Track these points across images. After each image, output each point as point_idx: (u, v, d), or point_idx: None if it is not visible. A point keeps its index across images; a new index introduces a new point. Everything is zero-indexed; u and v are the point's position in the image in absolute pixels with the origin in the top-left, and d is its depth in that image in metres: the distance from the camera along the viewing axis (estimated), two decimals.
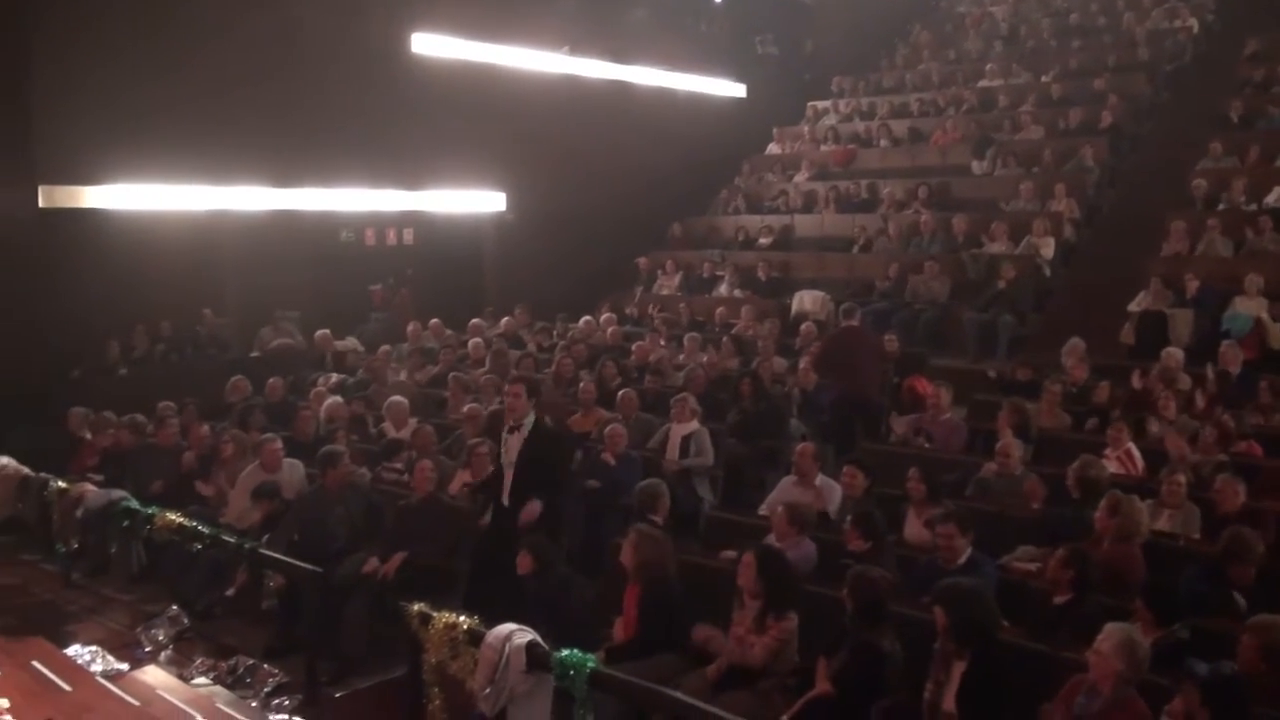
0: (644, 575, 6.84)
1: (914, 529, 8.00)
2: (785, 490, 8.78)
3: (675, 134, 19.97)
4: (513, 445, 8.14)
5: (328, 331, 15.49)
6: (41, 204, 13.28)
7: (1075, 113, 18.74)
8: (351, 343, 15.68)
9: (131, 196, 13.95)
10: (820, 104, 23.28)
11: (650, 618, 6.70)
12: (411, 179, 16.90)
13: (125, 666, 7.81)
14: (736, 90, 22.15)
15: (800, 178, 20.46)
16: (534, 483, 7.96)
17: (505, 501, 8.14)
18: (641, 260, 19.11)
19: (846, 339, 11.75)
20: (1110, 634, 5.15)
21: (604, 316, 16.30)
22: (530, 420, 8.09)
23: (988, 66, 21.87)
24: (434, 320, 16.25)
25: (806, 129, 22.58)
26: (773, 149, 22.47)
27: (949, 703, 5.57)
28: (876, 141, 20.70)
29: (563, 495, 8.35)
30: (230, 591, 8.80)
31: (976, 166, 18.48)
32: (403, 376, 13.50)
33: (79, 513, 9.54)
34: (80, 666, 7.61)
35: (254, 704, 7.38)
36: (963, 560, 6.78)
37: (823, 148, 21.28)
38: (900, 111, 21.60)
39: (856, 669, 5.83)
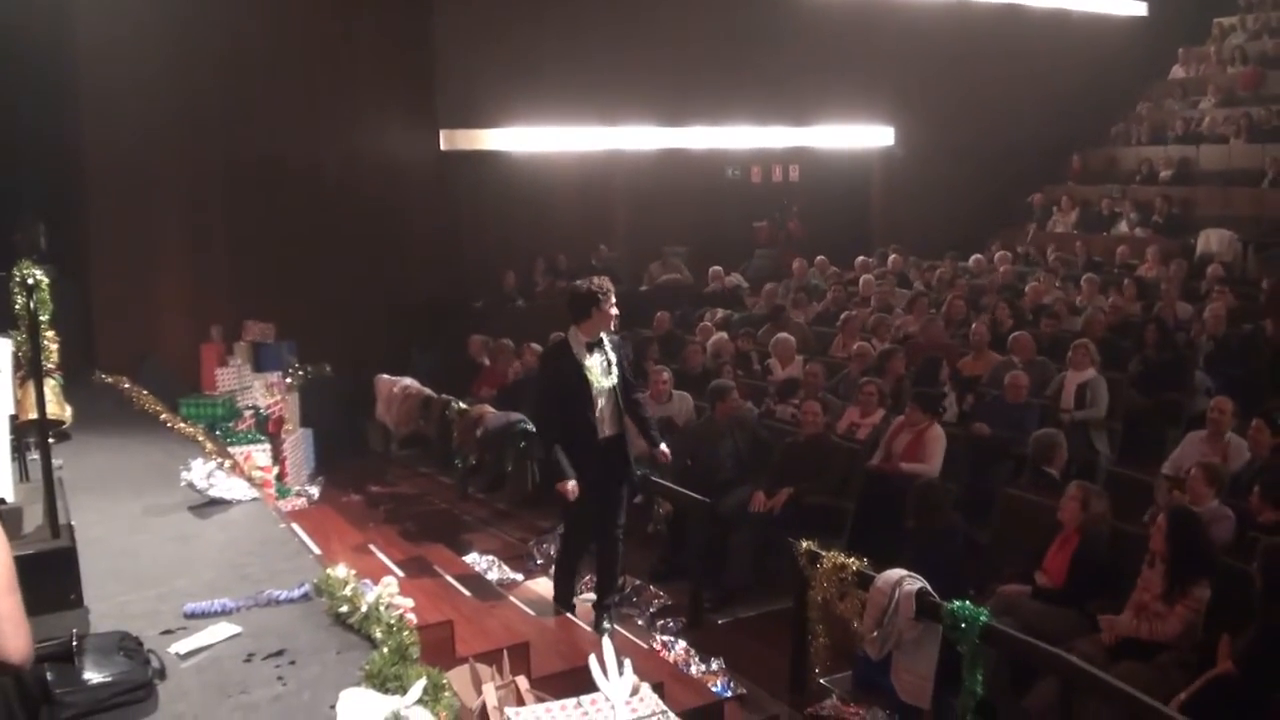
0: (1087, 529, 6.61)
1: None
2: (1193, 446, 8.18)
3: (1071, 60, 18.87)
4: None
5: (720, 269, 15.73)
6: (443, 147, 14.09)
7: None
8: (735, 279, 15.80)
9: (527, 139, 14.58)
10: (1227, 21, 21.45)
11: (1084, 572, 6.45)
12: (798, 115, 16.86)
13: (519, 577, 8.23)
14: (1138, 8, 20.73)
15: (1206, 104, 19.02)
16: None
17: None
18: (1035, 196, 18.36)
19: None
20: None
21: (997, 255, 15.77)
22: None
23: None
24: (820, 257, 16.19)
25: (1213, 49, 20.91)
26: (1176, 72, 20.96)
27: None
28: None
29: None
30: (650, 527, 9.01)
31: None
32: (791, 314, 13.47)
33: (479, 432, 9.99)
34: (478, 574, 8.07)
35: (640, 622, 7.65)
36: None
37: (1230, 70, 19.71)
38: None
39: (1264, 650, 5.37)
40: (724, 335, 12.28)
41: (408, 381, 11.55)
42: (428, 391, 11.27)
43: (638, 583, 8.15)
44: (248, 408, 10.42)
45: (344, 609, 4.25)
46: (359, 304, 12.99)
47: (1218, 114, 18.35)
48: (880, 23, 16.92)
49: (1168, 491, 7.28)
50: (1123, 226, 16.59)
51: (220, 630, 4.20)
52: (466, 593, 7.37)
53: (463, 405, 10.54)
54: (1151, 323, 11.13)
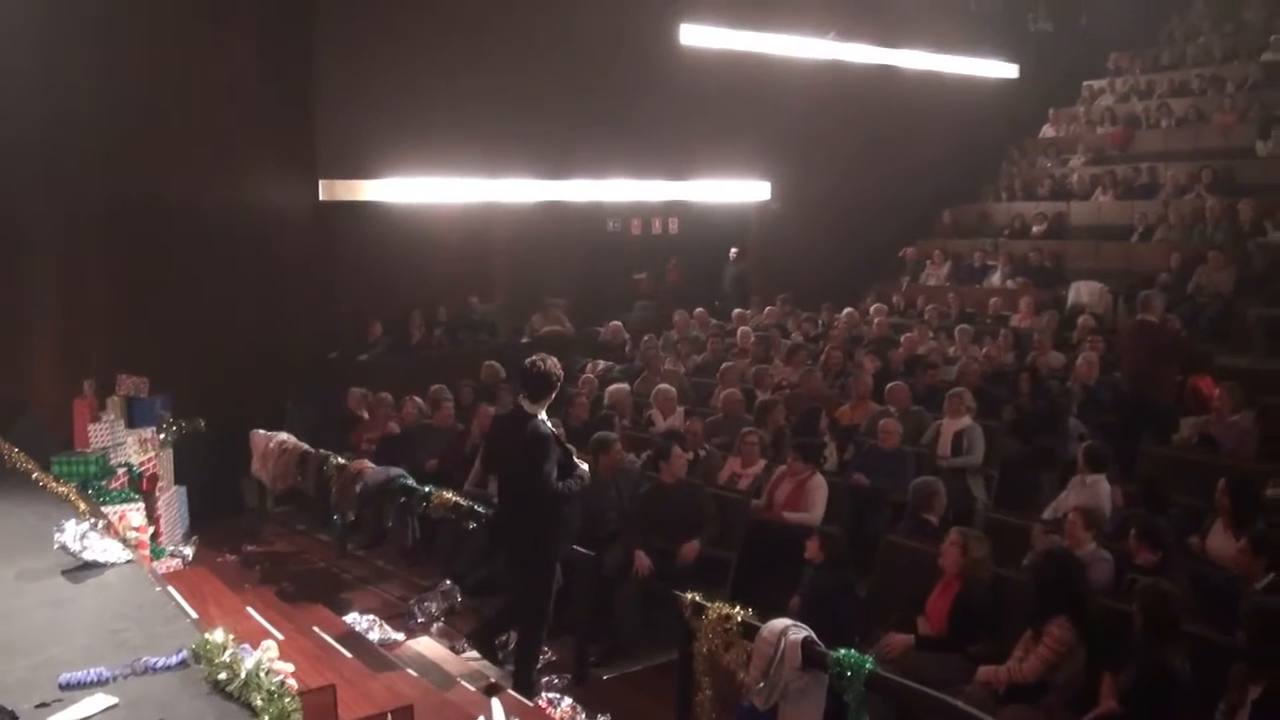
0: (968, 574, 6.70)
1: (1217, 543, 7.44)
2: (1072, 491, 8.37)
3: (944, 118, 19.42)
4: None
5: (619, 324, 15.78)
6: (322, 196, 13.93)
7: None
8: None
9: (407, 189, 14.46)
10: (1096, 83, 22.37)
11: (965, 618, 6.56)
12: (677, 169, 17.01)
13: (401, 636, 8.10)
14: (1008, 71, 21.38)
15: (1076, 162, 19.69)
16: None
17: None
18: (908, 250, 18.71)
19: (1137, 335, 10.99)
20: None
21: (873, 307, 16.03)
22: None
23: (1271, 38, 20.34)
24: (699, 309, 16.32)
25: (1082, 110, 21.75)
26: (1047, 131, 21.71)
27: None
28: (1156, 122, 19.71)
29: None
30: None
31: (1261, 147, 17.31)
32: (669, 365, 13.54)
33: (358, 488, 9.86)
34: (359, 634, 7.92)
35: None
36: (1265, 581, 6.24)
37: (1099, 129, 20.46)
38: (1180, 89, 20.49)
39: (1145, 688, 5.51)
40: (624, 386, 12.29)
41: (284, 436, 11.31)
42: (304, 446, 11.05)
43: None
44: (121, 465, 10.10)
45: (223, 676, 4.13)
46: (234, 356, 12.71)
47: (1086, 172, 18.96)
48: (758, 79, 17.18)
49: (1044, 535, 7.41)
50: (995, 279, 16.99)
51: (96, 702, 4.07)
52: (348, 654, 7.21)
53: (341, 460, 10.38)
54: (1025, 372, 11.44)
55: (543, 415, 7.04)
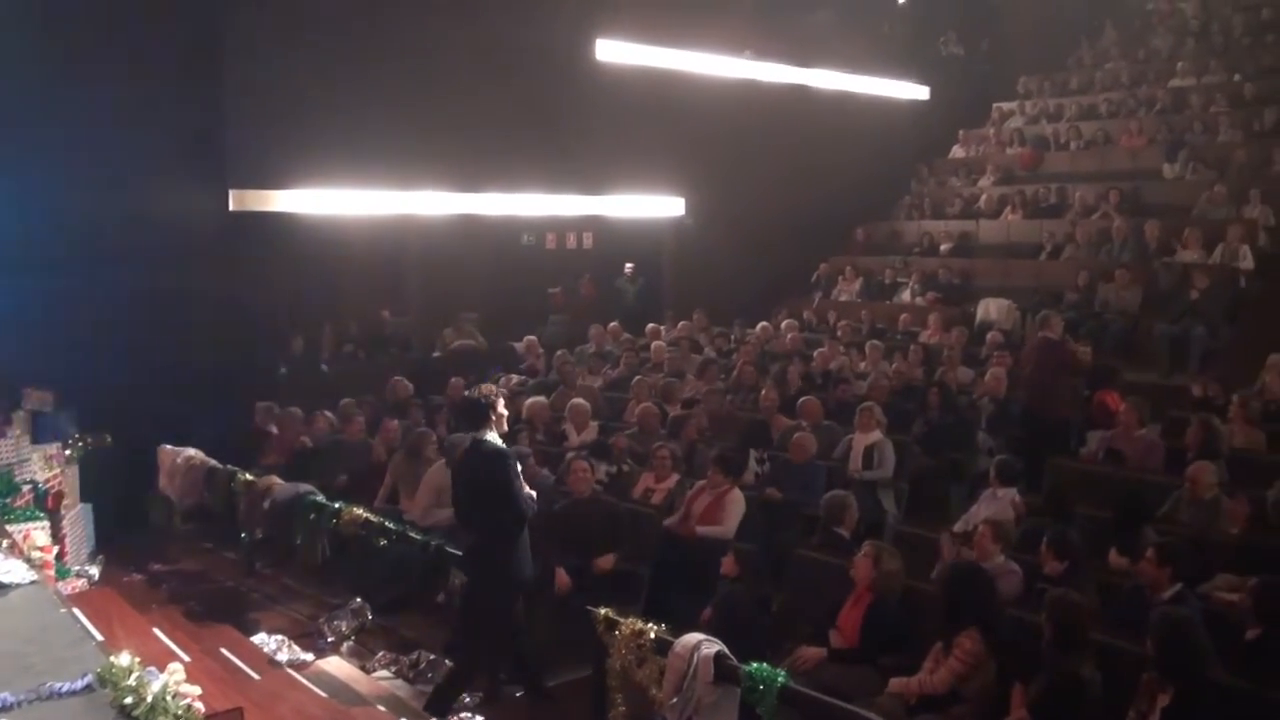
0: (880, 587, 6.76)
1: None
2: (982, 504, 8.51)
3: (856, 138, 19.63)
4: None
5: (534, 339, 15.71)
6: (232, 207, 13.65)
7: (1270, 113, 17.92)
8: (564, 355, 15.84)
9: (319, 200, 14.26)
10: (1006, 105, 22.76)
11: (877, 630, 6.62)
12: (592, 184, 16.99)
13: (310, 657, 7.97)
14: (919, 92, 21.67)
15: (985, 181, 20.04)
16: None
17: None
18: (821, 266, 18.88)
19: (1037, 351, 11.15)
20: None
21: (785, 323, 16.12)
22: None
23: (1178, 65, 21.06)
24: (613, 324, 16.32)
25: (992, 131, 22.11)
26: (957, 152, 22.07)
27: None
28: (1065, 144, 20.12)
29: None
30: (441, 597, 8.86)
31: (1168, 170, 17.77)
32: (584, 379, 13.52)
33: (266, 504, 9.74)
34: (267, 655, 7.79)
35: None
36: (1171, 592, 6.34)
37: (1008, 151, 20.82)
38: (1089, 113, 20.92)
39: (1055, 697, 5.59)
40: (541, 399, 12.23)
41: (191, 452, 11.10)
42: (212, 462, 10.86)
43: (432, 657, 7.95)
44: (26, 482, 9.86)
45: (129, 700, 4.02)
46: (141, 369, 12.40)
47: (995, 191, 19.28)
48: (673, 96, 17.20)
49: (953, 548, 7.48)
50: (905, 295, 17.19)
51: None
52: (256, 676, 7.10)
53: (249, 476, 10.22)
54: (935, 387, 11.59)
55: (492, 436, 7.02)
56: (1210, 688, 5.37)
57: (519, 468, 7.06)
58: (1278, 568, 6.56)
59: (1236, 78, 19.77)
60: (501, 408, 7.20)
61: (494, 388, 7.40)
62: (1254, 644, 5.92)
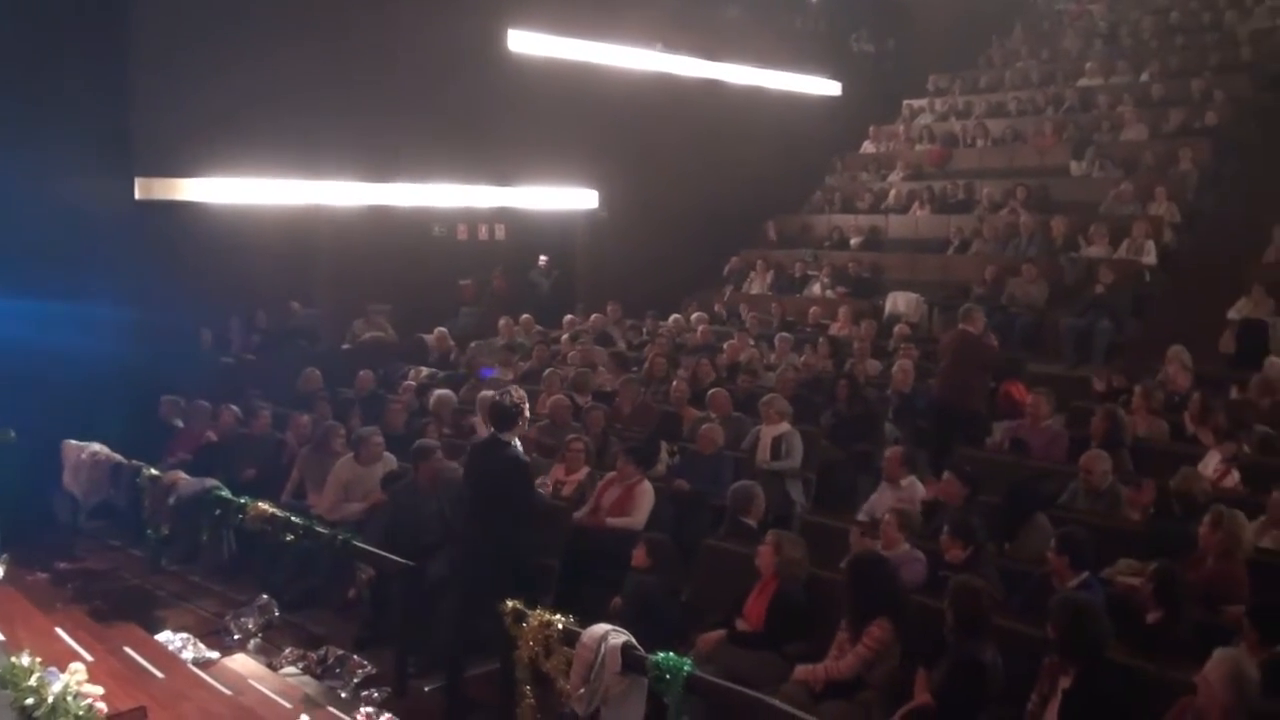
0: (784, 574, 6.87)
1: None
2: (884, 494, 8.61)
3: (768, 132, 19.81)
4: None
5: (444, 330, 15.61)
6: (138, 195, 13.41)
7: (1176, 114, 18.38)
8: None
9: (227, 189, 14.08)
10: (916, 103, 23.08)
11: (781, 616, 6.72)
12: (504, 175, 16.95)
13: (215, 655, 7.84)
14: (831, 88, 21.88)
15: (894, 177, 20.25)
16: None
17: None
18: (732, 259, 18.99)
19: (955, 344, 11.18)
20: (1218, 663, 4.89)
21: (695, 315, 16.17)
22: None
23: (1087, 65, 21.51)
24: (525, 316, 16.26)
25: (902, 128, 22.40)
26: (867, 148, 22.31)
27: (1051, 718, 5.41)
28: (973, 141, 20.44)
29: None
30: (351, 593, 8.83)
31: (1075, 168, 18.15)
32: (495, 372, 13.46)
33: (171, 500, 9.57)
34: (172, 653, 7.65)
35: (343, 695, 7.36)
36: (1077, 580, 6.39)
37: (918, 147, 21.10)
38: (997, 111, 21.27)
39: (957, 681, 5.68)
40: (449, 393, 12.13)
41: (96, 447, 10.87)
42: (117, 458, 10.65)
43: (340, 653, 7.86)
44: None
45: (29, 701, 3.97)
46: (44, 362, 12.16)
47: (904, 187, 19.51)
48: (587, 88, 17.21)
49: (860, 537, 7.57)
50: (815, 289, 17.33)
51: None
52: (160, 675, 6.96)
53: (154, 472, 10.04)
54: (843, 379, 11.71)
55: (515, 442, 7.29)
56: (1110, 669, 5.47)
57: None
58: (1178, 553, 6.74)
59: (1144, 78, 20.23)
60: (527, 411, 7.50)
61: (522, 392, 7.57)
62: (1154, 627, 6.06)
